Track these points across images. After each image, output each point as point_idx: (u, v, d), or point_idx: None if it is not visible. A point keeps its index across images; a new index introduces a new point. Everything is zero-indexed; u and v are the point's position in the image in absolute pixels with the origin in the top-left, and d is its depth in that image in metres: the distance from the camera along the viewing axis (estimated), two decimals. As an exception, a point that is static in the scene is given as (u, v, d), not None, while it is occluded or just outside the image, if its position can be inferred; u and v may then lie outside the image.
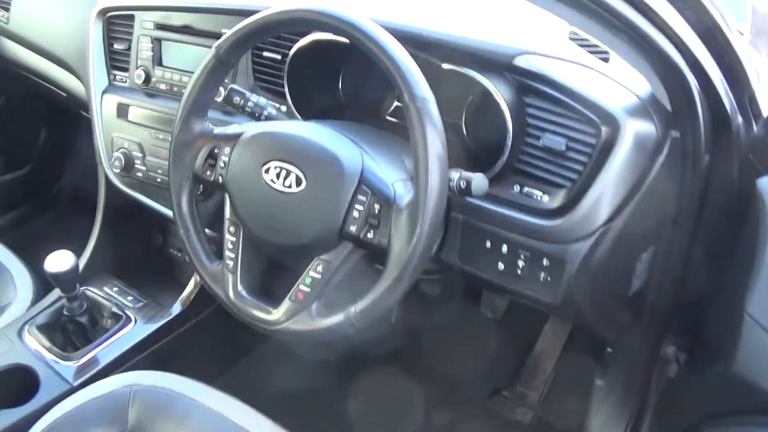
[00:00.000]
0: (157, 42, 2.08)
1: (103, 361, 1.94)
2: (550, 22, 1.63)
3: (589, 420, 2.03)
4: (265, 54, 1.85)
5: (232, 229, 1.53)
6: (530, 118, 1.51)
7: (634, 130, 1.41)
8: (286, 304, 1.44)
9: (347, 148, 1.43)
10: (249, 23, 1.45)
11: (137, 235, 2.43)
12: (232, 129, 1.54)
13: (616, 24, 1.35)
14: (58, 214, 3.25)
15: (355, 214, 1.37)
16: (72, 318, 1.97)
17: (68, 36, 2.33)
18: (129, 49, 2.14)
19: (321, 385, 2.38)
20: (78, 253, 2.19)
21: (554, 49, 1.56)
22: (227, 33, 1.48)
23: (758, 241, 1.32)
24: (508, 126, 1.50)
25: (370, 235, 1.37)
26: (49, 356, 1.92)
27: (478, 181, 1.39)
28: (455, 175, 1.39)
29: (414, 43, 1.52)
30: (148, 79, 2.09)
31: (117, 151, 2.13)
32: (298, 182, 1.41)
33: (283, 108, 1.80)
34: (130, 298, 2.16)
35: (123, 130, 2.14)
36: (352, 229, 1.38)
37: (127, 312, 2.09)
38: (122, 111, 2.14)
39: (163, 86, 2.08)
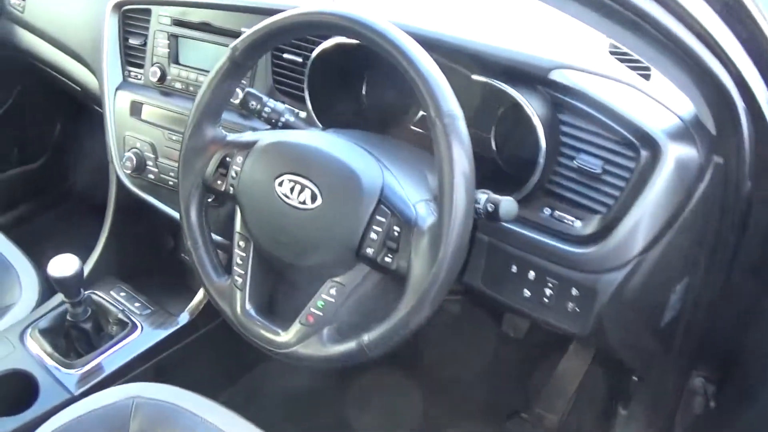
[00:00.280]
0: (173, 39, 2.01)
1: (106, 371, 1.88)
2: (588, 33, 1.53)
3: (609, 450, 1.96)
4: (286, 56, 1.78)
5: (241, 243, 1.46)
6: (564, 136, 1.42)
7: (676, 154, 1.32)
8: (295, 326, 1.37)
9: (367, 164, 1.35)
10: (267, 24, 1.38)
11: (147, 238, 2.37)
12: (245, 136, 1.48)
13: (658, 38, 1.26)
14: (68, 212, 3.20)
15: (373, 235, 1.29)
16: (76, 324, 1.92)
17: (83, 28, 2.29)
18: (144, 44, 2.08)
19: (328, 405, 2.32)
20: (86, 254, 2.20)
21: (593, 63, 1.47)
22: (244, 34, 1.41)
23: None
24: (541, 144, 1.41)
25: (388, 259, 1.29)
26: (51, 362, 1.86)
27: (507, 205, 1.30)
28: (482, 197, 1.30)
29: (442, 51, 1.45)
30: (163, 77, 2.03)
31: (129, 150, 2.08)
32: (313, 198, 1.33)
33: (302, 114, 1.75)
34: (137, 304, 2.10)
35: (136, 129, 2.08)
36: (369, 251, 1.30)
37: (134, 319, 2.03)
38: (135, 109, 2.08)
39: (178, 85, 2.01)
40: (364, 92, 1.79)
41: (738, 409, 1.51)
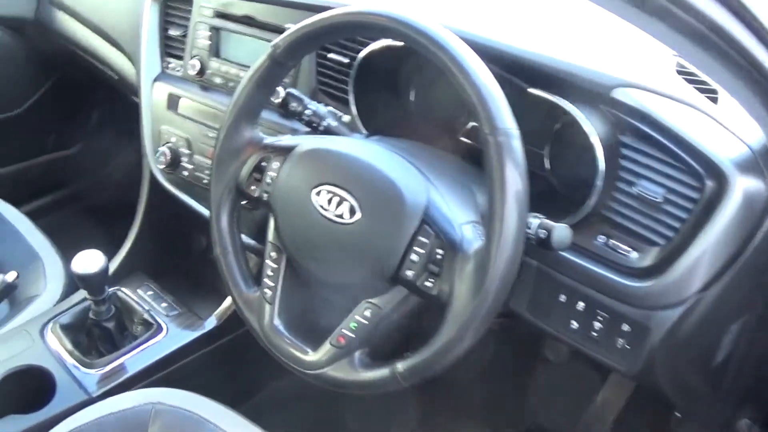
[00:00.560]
0: (215, 31, 1.95)
1: (127, 373, 1.83)
2: (655, 49, 1.44)
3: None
4: (331, 56, 1.71)
5: (273, 254, 1.39)
6: (624, 160, 1.33)
7: (744, 187, 1.23)
8: (325, 347, 1.31)
9: (412, 178, 1.28)
10: (311, 23, 1.31)
11: (179, 236, 2.34)
12: (284, 141, 1.42)
13: (731, 56, 1.16)
14: (100, 203, 3.16)
15: (414, 257, 1.22)
16: (98, 322, 1.86)
17: (123, 15, 2.26)
18: (185, 36, 2.03)
19: (354, 418, 2.25)
20: (114, 247, 2.18)
21: (659, 83, 1.37)
22: (287, 31, 1.34)
23: None
24: (600, 166, 1.32)
25: (428, 284, 1.21)
26: (70, 360, 1.81)
27: (561, 232, 1.22)
28: (534, 221, 1.22)
29: (499, 62, 1.36)
30: (202, 70, 1.97)
31: (164, 145, 2.03)
32: (352, 212, 1.26)
33: (346, 118, 1.67)
34: (164, 304, 2.05)
35: (172, 123, 2.02)
36: (409, 274, 1.22)
37: (159, 320, 1.98)
38: (172, 102, 2.03)
39: (218, 80, 1.95)
40: (411, 98, 1.71)
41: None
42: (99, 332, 1.87)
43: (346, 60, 1.68)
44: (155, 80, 2.08)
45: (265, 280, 1.39)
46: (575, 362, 2.11)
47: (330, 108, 1.56)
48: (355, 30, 1.36)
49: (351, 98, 1.66)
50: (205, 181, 1.95)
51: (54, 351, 1.82)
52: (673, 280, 1.28)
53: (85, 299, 1.89)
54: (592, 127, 1.33)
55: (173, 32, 2.06)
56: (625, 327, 1.34)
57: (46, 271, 2.07)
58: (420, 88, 1.70)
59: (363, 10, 1.25)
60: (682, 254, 1.26)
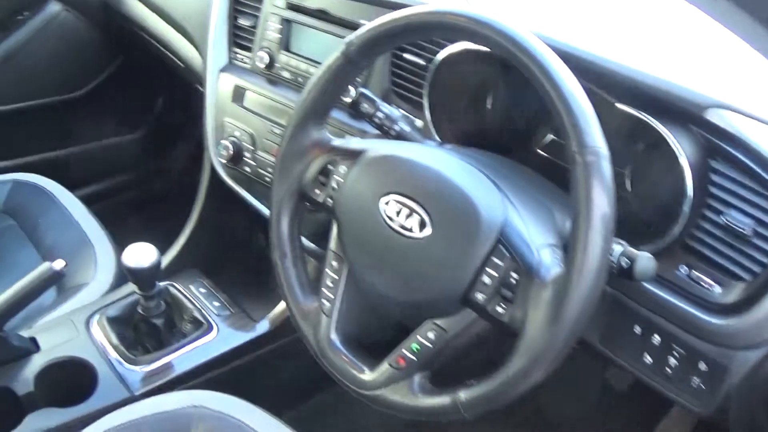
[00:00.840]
0: (286, 23, 1.89)
1: (172, 373, 1.78)
2: (755, 67, 1.34)
3: None
4: (407, 56, 1.64)
5: (334, 263, 1.32)
6: (714, 186, 1.24)
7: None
8: (383, 367, 1.24)
9: (488, 194, 1.19)
10: (389, 21, 1.24)
11: (237, 233, 2.30)
12: (353, 143, 1.34)
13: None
14: (157, 192, 3.17)
15: (486, 279, 1.14)
16: (146, 318, 1.82)
17: (192, 2, 2.23)
18: (255, 27, 1.97)
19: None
20: (169, 239, 2.16)
21: (757, 105, 1.28)
22: (361, 28, 1.27)
23: None
24: (687, 191, 1.23)
25: (500, 309, 1.13)
26: (114, 355, 1.76)
27: (645, 262, 1.15)
28: (617, 249, 1.15)
29: (587, 74, 1.27)
30: (271, 63, 1.92)
31: (227, 138, 1.99)
32: (422, 226, 1.18)
33: (419, 123, 1.60)
34: (216, 303, 2.00)
35: (236, 116, 1.98)
36: (479, 297, 1.14)
37: (210, 319, 1.92)
38: (238, 94, 1.98)
39: (286, 74, 1.89)
40: (488, 106, 1.62)
41: None
42: (146, 328, 1.83)
43: (422, 62, 1.61)
44: (222, 71, 2.04)
45: (324, 290, 1.33)
46: (637, 390, 2.04)
47: (403, 111, 1.50)
48: (435, 31, 1.28)
49: (425, 102, 1.59)
50: (267, 179, 1.90)
51: (98, 344, 1.78)
52: (758, 318, 1.20)
53: (134, 293, 1.84)
54: (681, 149, 1.24)
55: (243, 22, 2.00)
56: (702, 366, 1.27)
57: (97, 260, 2.03)
58: (498, 95, 1.61)
59: (445, 10, 1.18)
60: (769, 292, 1.18)
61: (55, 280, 1.63)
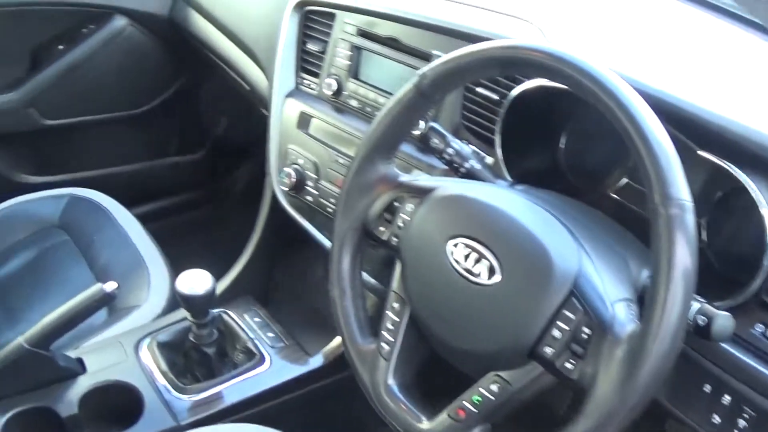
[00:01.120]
0: (356, 50, 1.86)
1: (221, 404, 1.73)
2: None
3: None
4: (480, 90, 1.59)
5: (396, 305, 1.28)
6: (795, 239, 1.19)
7: None
8: (442, 417, 1.20)
9: (562, 241, 1.14)
10: (465, 54, 1.20)
11: (295, 263, 2.26)
12: (422, 181, 1.31)
13: None
14: (216, 215, 3.16)
15: (556, 333, 1.09)
16: (197, 345, 1.78)
17: (260, 24, 2.22)
18: (323, 52, 1.94)
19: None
20: (225, 264, 2.14)
21: None
22: (436, 60, 1.24)
23: None
24: (769, 243, 1.18)
25: (568, 365, 1.08)
26: (162, 381, 1.73)
27: (723, 322, 1.10)
28: (694, 306, 1.10)
29: (671, 118, 1.21)
30: (339, 90, 1.88)
31: (289, 165, 1.96)
32: (491, 272, 1.14)
33: (489, 159, 1.55)
34: (270, 334, 1.94)
35: (300, 143, 1.95)
36: (547, 351, 1.09)
37: (263, 350, 1.87)
38: (303, 121, 1.95)
39: (354, 103, 1.86)
40: (561, 145, 1.59)
41: None
42: (197, 356, 1.79)
43: (496, 96, 1.56)
44: (288, 96, 2.01)
45: (384, 333, 1.29)
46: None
47: (474, 148, 1.46)
48: (512, 67, 1.23)
49: (497, 139, 1.54)
50: (329, 210, 1.87)
51: (147, 369, 1.75)
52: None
53: (186, 319, 1.81)
54: (763, 199, 1.19)
55: (311, 47, 1.98)
56: None
57: (150, 282, 2.01)
58: (572, 135, 1.58)
59: (524, 45, 1.15)
60: None
61: (105, 302, 1.61)
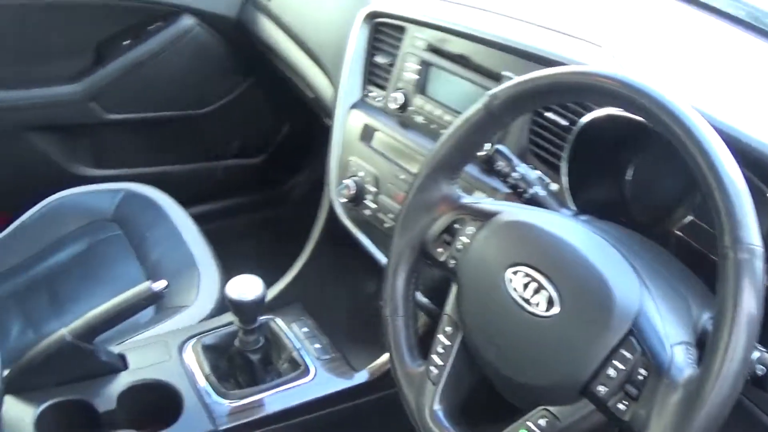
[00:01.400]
0: (425, 66, 1.82)
1: (261, 412, 1.71)
2: None
3: None
4: (549, 115, 1.55)
5: (448, 329, 1.25)
6: None
7: None
8: None
9: (625, 277, 1.11)
10: (536, 78, 1.18)
11: (348, 276, 2.21)
12: (484, 204, 1.28)
13: None
14: (272, 221, 3.15)
15: (611, 372, 1.05)
16: (243, 351, 1.76)
17: (329, 32, 2.19)
18: (391, 65, 1.91)
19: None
20: (276, 271, 2.11)
21: None
22: (508, 82, 1.21)
23: None
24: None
25: (621, 406, 1.04)
26: (203, 383, 1.71)
27: None
28: (754, 354, 1.04)
29: (747, 159, 1.16)
30: (405, 105, 1.85)
31: (349, 177, 1.93)
32: (549, 304, 1.10)
33: (554, 186, 1.51)
34: (317, 345, 1.92)
35: (362, 156, 1.92)
36: (601, 389, 1.05)
37: (309, 361, 1.85)
38: (367, 133, 1.92)
39: (420, 118, 1.82)
40: (628, 177, 1.54)
41: None
42: (241, 361, 1.78)
43: (564, 122, 1.52)
44: (352, 107, 1.98)
45: (434, 356, 1.26)
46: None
47: (539, 174, 1.41)
48: (584, 93, 1.21)
49: (563, 167, 1.51)
50: (386, 225, 1.84)
51: (189, 370, 1.74)
52: None
53: (233, 323, 1.80)
54: None
55: (380, 59, 1.95)
56: None
57: (200, 283, 2.00)
58: (640, 167, 1.54)
59: (597, 72, 1.11)
60: None
61: (153, 300, 1.61)
